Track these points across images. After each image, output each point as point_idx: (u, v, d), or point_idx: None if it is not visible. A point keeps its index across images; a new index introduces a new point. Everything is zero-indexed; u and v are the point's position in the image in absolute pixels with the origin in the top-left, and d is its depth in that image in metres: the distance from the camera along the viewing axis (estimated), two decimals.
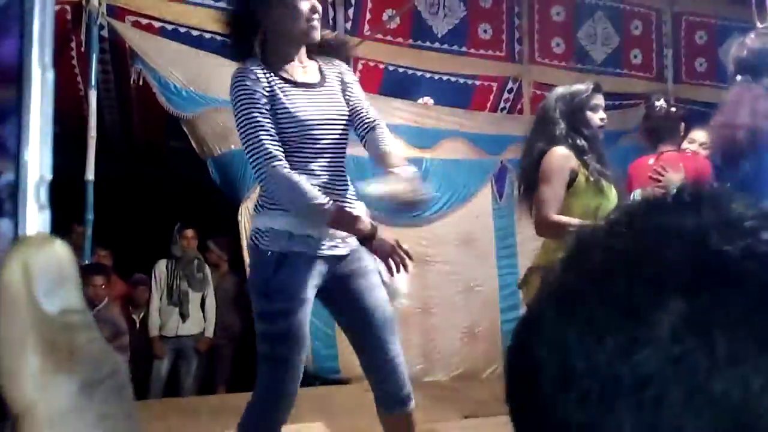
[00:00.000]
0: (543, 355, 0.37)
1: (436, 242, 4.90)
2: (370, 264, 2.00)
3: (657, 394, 0.32)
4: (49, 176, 0.36)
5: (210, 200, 4.91)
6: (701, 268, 0.34)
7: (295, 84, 1.96)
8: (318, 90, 2.00)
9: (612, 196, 2.44)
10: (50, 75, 0.37)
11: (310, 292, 1.93)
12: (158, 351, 4.80)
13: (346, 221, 1.89)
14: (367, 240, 1.89)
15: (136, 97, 4.89)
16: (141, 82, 4.20)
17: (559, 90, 2.59)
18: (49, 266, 0.30)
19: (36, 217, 0.37)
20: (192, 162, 4.58)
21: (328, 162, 1.96)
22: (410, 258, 1.92)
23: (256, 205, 2.01)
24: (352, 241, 1.97)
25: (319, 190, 1.90)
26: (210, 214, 5.01)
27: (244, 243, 4.35)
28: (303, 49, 2.02)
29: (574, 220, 2.30)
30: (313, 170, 1.93)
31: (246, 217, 4.38)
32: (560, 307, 0.37)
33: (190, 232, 4.96)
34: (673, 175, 2.96)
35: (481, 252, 5.04)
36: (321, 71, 2.04)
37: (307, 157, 1.93)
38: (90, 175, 4.01)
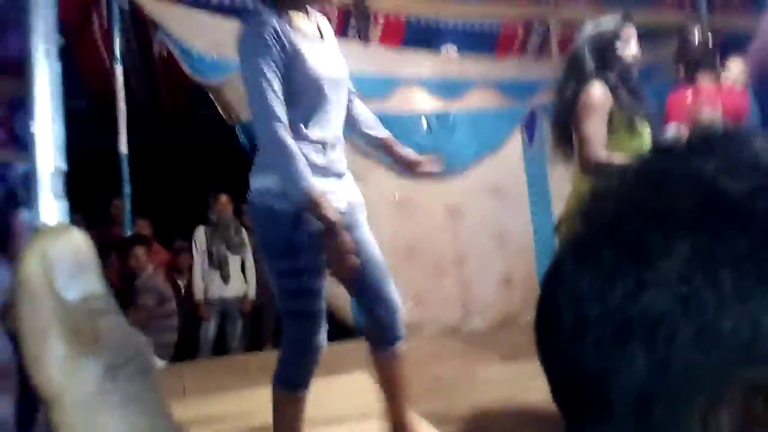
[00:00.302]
0: (562, 304, 0.38)
1: (467, 193, 4.88)
2: (362, 217, 2.09)
3: (667, 334, 0.33)
4: (63, 167, 0.37)
5: (241, 165, 4.95)
6: (707, 207, 0.34)
7: (307, 37, 1.96)
8: (323, 45, 2.02)
9: (646, 134, 2.38)
10: (57, 65, 0.38)
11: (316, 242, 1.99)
12: (203, 313, 4.95)
13: (316, 207, 1.86)
14: (327, 231, 1.86)
15: (161, 67, 4.92)
16: (165, 53, 4.22)
17: (588, 27, 2.49)
18: (67, 255, 0.31)
19: (53, 207, 0.38)
20: (222, 128, 4.61)
21: (335, 120, 2.01)
22: (352, 274, 1.91)
23: (258, 165, 2.01)
24: (348, 196, 2.05)
25: (325, 145, 1.96)
26: (242, 178, 5.06)
27: None
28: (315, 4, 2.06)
29: (621, 157, 2.25)
30: (323, 127, 1.97)
31: None
32: (576, 257, 0.38)
33: (224, 198, 5.04)
34: (708, 111, 2.87)
35: (513, 200, 5.01)
36: (317, 22, 2.05)
37: (318, 115, 1.96)
38: (123, 147, 4.08)
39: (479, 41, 5.16)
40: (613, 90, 2.35)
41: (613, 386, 0.35)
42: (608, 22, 2.46)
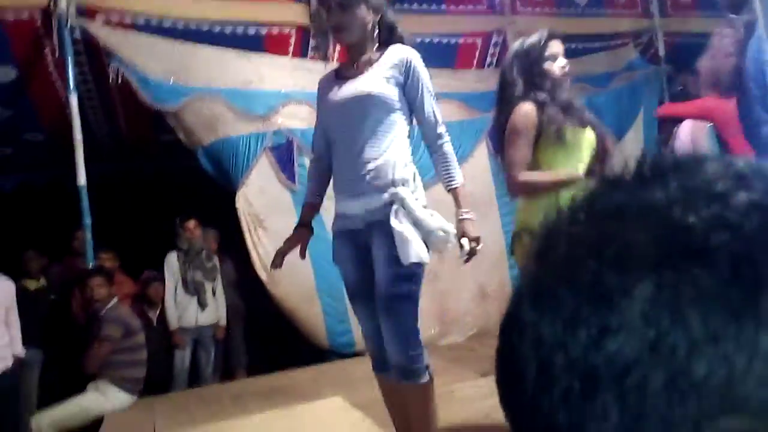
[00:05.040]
0: (524, 353, 0.35)
1: (436, 207, 4.84)
2: (380, 240, 2.10)
3: (638, 383, 0.31)
4: None
5: (207, 189, 4.88)
6: (666, 244, 0.32)
7: (340, 78, 2.21)
8: (355, 80, 2.16)
9: (583, 142, 2.36)
10: None
11: (344, 258, 2.21)
12: (179, 341, 4.79)
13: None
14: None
15: (118, 96, 4.83)
16: (120, 80, 4.14)
17: (514, 47, 2.49)
18: None
19: None
20: (184, 153, 4.54)
21: (343, 145, 2.16)
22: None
23: None
24: (370, 218, 2.11)
25: (338, 167, 2.18)
26: (208, 203, 4.98)
27: (245, 229, 4.34)
28: (358, 49, 2.19)
29: (544, 175, 2.29)
30: (335, 152, 2.19)
31: (244, 204, 4.36)
32: (534, 303, 0.36)
33: (192, 223, 4.92)
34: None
35: (483, 211, 4.98)
36: (375, 62, 2.17)
37: (333, 143, 2.20)
38: (82, 179, 3.98)
39: (439, 55, 5.18)
40: (542, 107, 2.35)
41: None
42: (533, 39, 2.46)
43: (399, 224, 2.05)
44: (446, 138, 2.22)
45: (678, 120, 3.16)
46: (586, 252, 0.34)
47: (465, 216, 2.17)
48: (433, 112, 2.20)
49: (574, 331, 0.33)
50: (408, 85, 2.15)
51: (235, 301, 5.12)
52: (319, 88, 2.29)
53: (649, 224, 0.33)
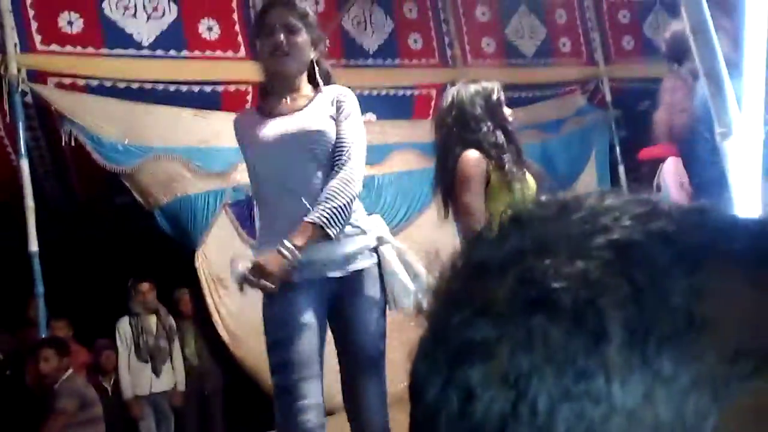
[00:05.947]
0: (418, 419, 0.33)
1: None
2: (368, 290, 1.93)
3: None
4: None
5: (163, 250, 4.77)
6: (518, 297, 0.31)
7: (269, 115, 1.99)
8: (291, 116, 1.97)
9: (527, 191, 2.34)
10: None
11: (307, 317, 1.86)
12: (136, 411, 4.60)
13: None
14: None
15: (71, 159, 4.74)
16: (73, 143, 4.06)
17: (471, 88, 2.46)
18: None
19: None
20: (140, 215, 4.44)
21: (278, 189, 1.94)
22: None
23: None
24: (353, 264, 1.92)
25: (265, 215, 2.00)
26: (165, 264, 4.86)
27: (205, 289, 4.23)
28: (293, 83, 2.02)
29: None
30: (281, 189, 1.93)
31: (204, 263, 4.26)
32: (422, 365, 0.34)
33: (145, 286, 4.79)
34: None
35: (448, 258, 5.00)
36: (312, 100, 2.01)
37: (273, 179, 1.95)
38: (33, 246, 3.85)
39: (397, 106, 5.26)
40: (498, 151, 2.33)
41: None
42: (492, 84, 2.48)
43: (396, 267, 1.92)
44: (351, 167, 1.92)
45: (659, 160, 3.25)
46: (453, 310, 0.33)
47: (283, 246, 1.79)
48: (354, 138, 1.97)
49: (447, 395, 0.31)
50: (338, 120, 1.97)
51: (212, 367, 4.94)
52: (238, 128, 2.05)
53: (506, 277, 0.31)
